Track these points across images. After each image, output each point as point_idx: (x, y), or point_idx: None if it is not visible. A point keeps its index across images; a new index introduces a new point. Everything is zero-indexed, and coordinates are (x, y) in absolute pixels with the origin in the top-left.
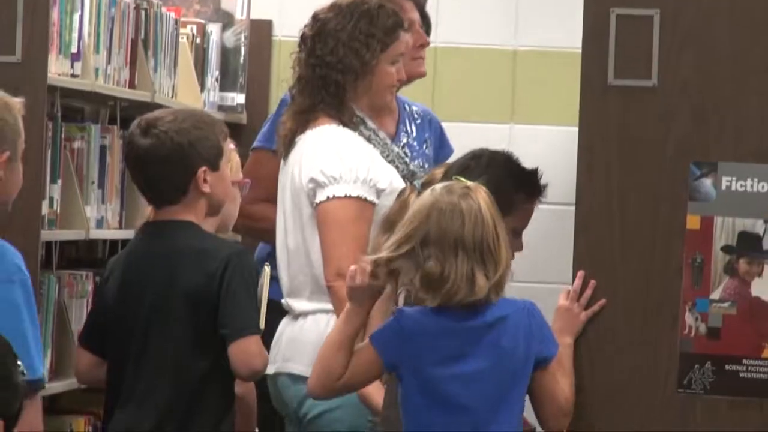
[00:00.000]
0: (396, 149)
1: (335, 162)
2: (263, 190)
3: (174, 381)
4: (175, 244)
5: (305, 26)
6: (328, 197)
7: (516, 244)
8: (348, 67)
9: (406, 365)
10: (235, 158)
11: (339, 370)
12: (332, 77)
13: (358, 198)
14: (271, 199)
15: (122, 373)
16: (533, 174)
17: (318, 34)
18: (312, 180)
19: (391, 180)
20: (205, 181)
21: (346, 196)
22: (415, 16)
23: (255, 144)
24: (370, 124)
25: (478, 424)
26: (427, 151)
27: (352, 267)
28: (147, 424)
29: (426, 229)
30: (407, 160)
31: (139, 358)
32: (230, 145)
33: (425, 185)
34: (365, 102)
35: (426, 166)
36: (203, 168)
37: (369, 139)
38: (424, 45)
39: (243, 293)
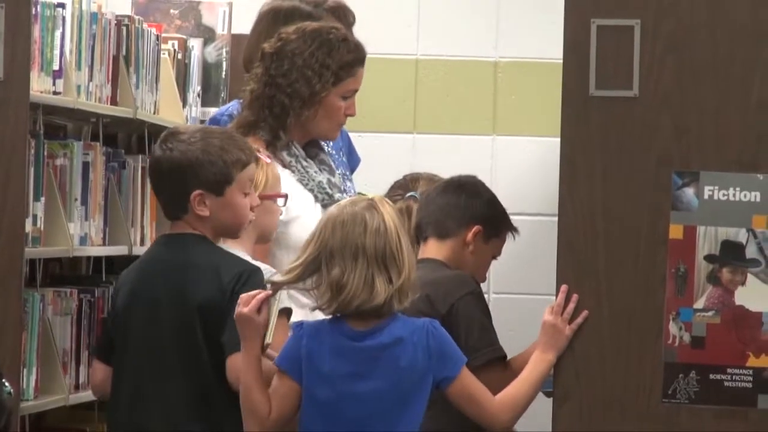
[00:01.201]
0: (318, 178)
1: None
2: None
3: (185, 389)
4: (189, 257)
5: (267, 42)
6: None
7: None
8: (296, 93)
9: (306, 379)
10: (272, 172)
11: (264, 409)
12: (279, 99)
13: None
14: None
15: (130, 381)
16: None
17: (276, 53)
18: None
19: (288, 208)
20: (202, 204)
21: None
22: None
23: None
24: (295, 150)
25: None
26: (343, 159)
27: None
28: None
29: (331, 243)
30: (329, 191)
31: (150, 367)
32: (266, 159)
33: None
34: (305, 129)
35: (347, 173)
36: (198, 191)
37: (288, 165)
38: None
39: None
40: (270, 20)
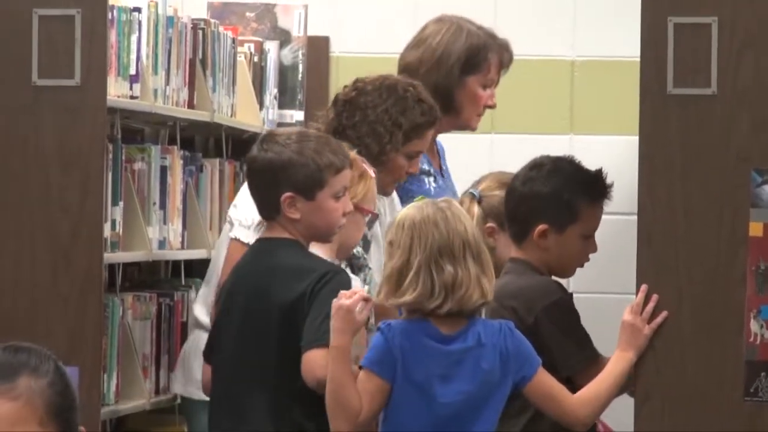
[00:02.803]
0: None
1: (241, 206)
2: None
3: (267, 394)
4: (275, 260)
5: (345, 86)
6: (230, 237)
7: (590, 246)
8: (365, 148)
9: (398, 380)
10: (373, 187)
11: (357, 405)
12: None
13: (247, 245)
14: None
15: (221, 384)
16: (596, 177)
17: (349, 102)
18: (228, 216)
19: None
20: (293, 207)
21: (235, 239)
22: (496, 77)
23: None
24: None
25: (466, 424)
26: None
27: (354, 295)
28: None
29: (438, 241)
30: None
31: (236, 369)
32: (372, 173)
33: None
34: None
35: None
36: (288, 194)
37: None
38: (491, 107)
39: (324, 307)
40: (455, 33)
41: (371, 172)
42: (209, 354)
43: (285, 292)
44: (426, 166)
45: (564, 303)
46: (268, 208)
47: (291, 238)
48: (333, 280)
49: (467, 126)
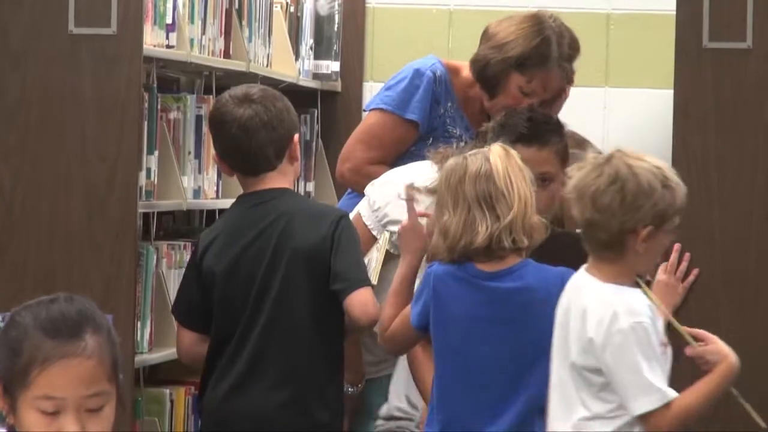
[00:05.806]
0: None
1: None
2: (383, 152)
3: (304, 344)
4: (283, 209)
5: None
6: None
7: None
8: None
9: (434, 325)
10: None
11: (386, 322)
12: None
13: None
14: (389, 161)
15: (240, 344)
16: (527, 121)
17: None
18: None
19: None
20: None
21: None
22: (538, 90)
23: (384, 107)
24: None
25: (508, 382)
26: None
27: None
28: (286, 390)
29: (438, 194)
30: None
31: (264, 326)
32: None
33: None
34: None
35: None
36: (297, 135)
37: None
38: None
39: (354, 251)
40: (535, 33)
41: None
42: (191, 316)
43: (304, 238)
44: (459, 131)
45: None
46: (277, 156)
47: (283, 187)
48: (348, 224)
49: (491, 111)
